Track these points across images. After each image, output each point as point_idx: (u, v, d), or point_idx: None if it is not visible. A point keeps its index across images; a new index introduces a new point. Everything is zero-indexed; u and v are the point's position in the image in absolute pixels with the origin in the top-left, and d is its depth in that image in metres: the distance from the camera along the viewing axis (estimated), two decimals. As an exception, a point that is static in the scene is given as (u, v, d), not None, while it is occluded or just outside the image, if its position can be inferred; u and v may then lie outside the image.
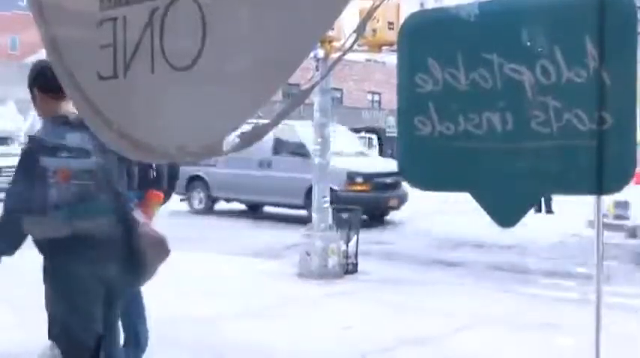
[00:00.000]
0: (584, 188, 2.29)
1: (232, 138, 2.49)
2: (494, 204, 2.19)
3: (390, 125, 37.45)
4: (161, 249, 3.48)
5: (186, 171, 14.89)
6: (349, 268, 8.89)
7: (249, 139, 2.45)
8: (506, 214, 2.16)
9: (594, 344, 2.46)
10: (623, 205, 13.20)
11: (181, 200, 15.62)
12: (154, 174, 4.33)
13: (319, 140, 9.16)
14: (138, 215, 3.91)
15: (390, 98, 37.97)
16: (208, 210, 15.96)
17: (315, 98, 9.13)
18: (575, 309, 6.71)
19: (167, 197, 4.51)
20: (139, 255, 3.37)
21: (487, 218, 2.48)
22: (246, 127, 2.31)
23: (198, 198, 16.07)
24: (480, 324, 6.37)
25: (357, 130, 34.97)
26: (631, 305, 6.97)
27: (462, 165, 2.25)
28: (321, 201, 8.97)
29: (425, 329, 6.22)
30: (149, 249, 3.41)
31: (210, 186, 15.81)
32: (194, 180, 15.87)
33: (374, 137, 33.46)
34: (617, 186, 2.16)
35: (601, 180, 2.07)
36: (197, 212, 15.90)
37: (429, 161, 2.33)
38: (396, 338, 5.87)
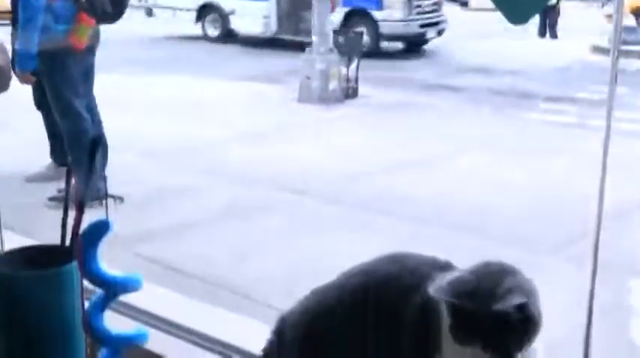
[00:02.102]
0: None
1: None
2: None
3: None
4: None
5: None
6: (349, 92, 8.81)
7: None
8: (518, 10, 2.03)
9: (600, 167, 2.40)
10: (632, 30, 12.88)
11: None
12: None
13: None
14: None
15: None
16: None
17: None
18: (576, 134, 6.72)
19: (112, 17, 4.46)
20: None
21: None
22: None
23: None
24: (479, 148, 6.38)
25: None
26: (634, 131, 6.95)
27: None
28: (323, 24, 8.74)
29: (424, 151, 6.24)
30: None
31: None
32: None
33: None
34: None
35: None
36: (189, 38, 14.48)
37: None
38: (396, 160, 5.89)
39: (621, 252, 3.72)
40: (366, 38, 12.27)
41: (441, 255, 1.09)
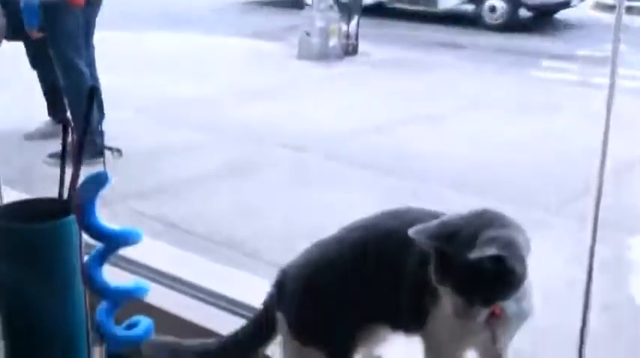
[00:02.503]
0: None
1: None
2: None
3: None
4: None
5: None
6: (349, 49, 8.73)
7: None
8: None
9: (603, 124, 2.38)
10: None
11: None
12: None
13: None
14: None
15: None
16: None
17: None
18: (578, 92, 6.66)
19: None
20: None
21: None
22: None
23: None
24: (481, 106, 6.34)
25: None
26: (634, 88, 6.89)
27: None
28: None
29: (424, 109, 6.20)
30: None
31: None
32: None
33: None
34: None
35: None
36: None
37: None
38: (396, 118, 5.87)
39: (621, 209, 3.71)
40: (500, 8, 10.74)
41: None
